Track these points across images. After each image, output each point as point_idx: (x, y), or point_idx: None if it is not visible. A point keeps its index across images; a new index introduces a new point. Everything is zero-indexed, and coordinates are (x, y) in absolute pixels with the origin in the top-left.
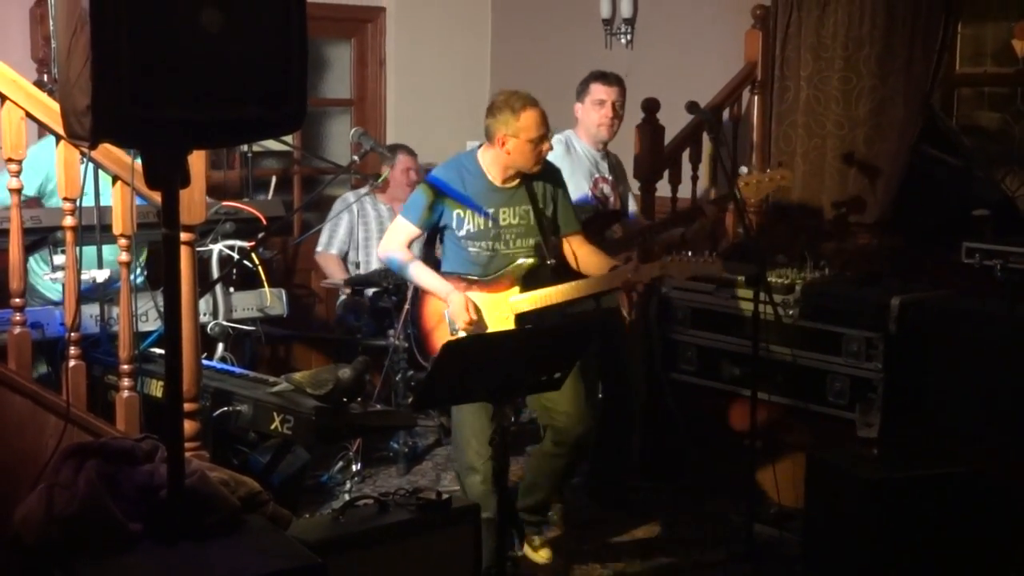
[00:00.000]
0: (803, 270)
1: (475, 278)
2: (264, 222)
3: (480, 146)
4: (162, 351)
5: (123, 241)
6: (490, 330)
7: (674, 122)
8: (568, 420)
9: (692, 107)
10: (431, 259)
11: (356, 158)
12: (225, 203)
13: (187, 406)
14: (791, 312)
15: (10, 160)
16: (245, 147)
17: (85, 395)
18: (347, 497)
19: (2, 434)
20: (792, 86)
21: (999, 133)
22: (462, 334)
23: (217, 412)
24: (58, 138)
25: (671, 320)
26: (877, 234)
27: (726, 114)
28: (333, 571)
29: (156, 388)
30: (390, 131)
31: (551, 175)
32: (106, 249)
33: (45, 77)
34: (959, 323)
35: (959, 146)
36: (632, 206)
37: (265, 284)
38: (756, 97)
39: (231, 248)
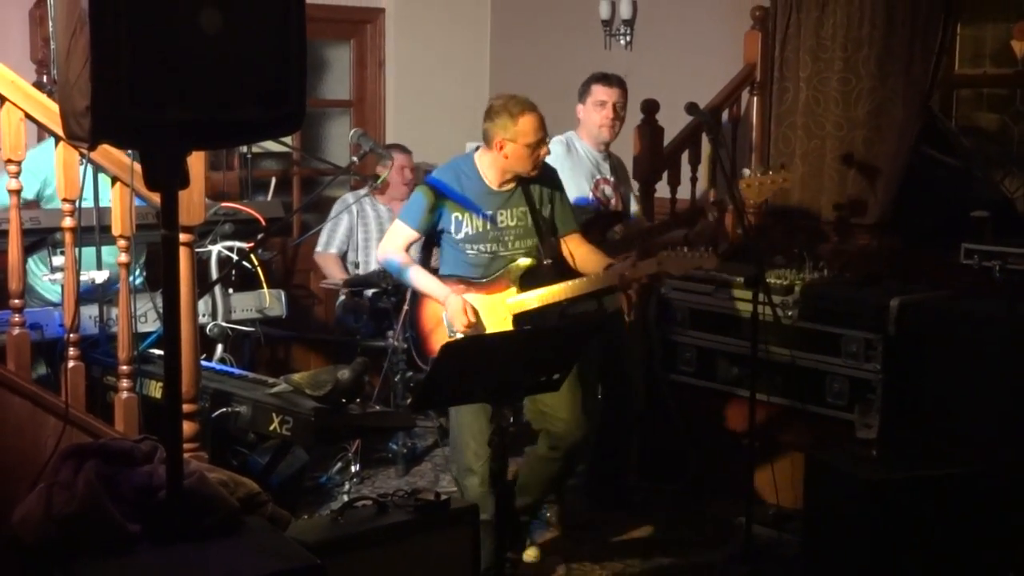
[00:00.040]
0: (802, 271)
1: (473, 280)
2: (263, 223)
3: (477, 149)
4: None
5: (122, 242)
6: (488, 331)
7: (673, 123)
8: (565, 427)
9: (691, 108)
10: (427, 263)
11: (355, 159)
12: (224, 204)
13: (186, 407)
14: (790, 313)
15: (9, 161)
16: (244, 148)
17: (84, 396)
18: (346, 498)
19: (1, 435)
20: (791, 87)
21: (998, 134)
22: (460, 336)
23: (216, 413)
24: (57, 139)
25: (670, 321)
26: (876, 235)
27: (725, 115)
28: (332, 572)
29: (155, 389)
30: (389, 132)
31: (548, 176)
32: (105, 250)
33: (44, 78)
34: (958, 324)
35: (958, 147)
36: (634, 207)
37: (264, 285)
38: (755, 98)
39: (230, 249)
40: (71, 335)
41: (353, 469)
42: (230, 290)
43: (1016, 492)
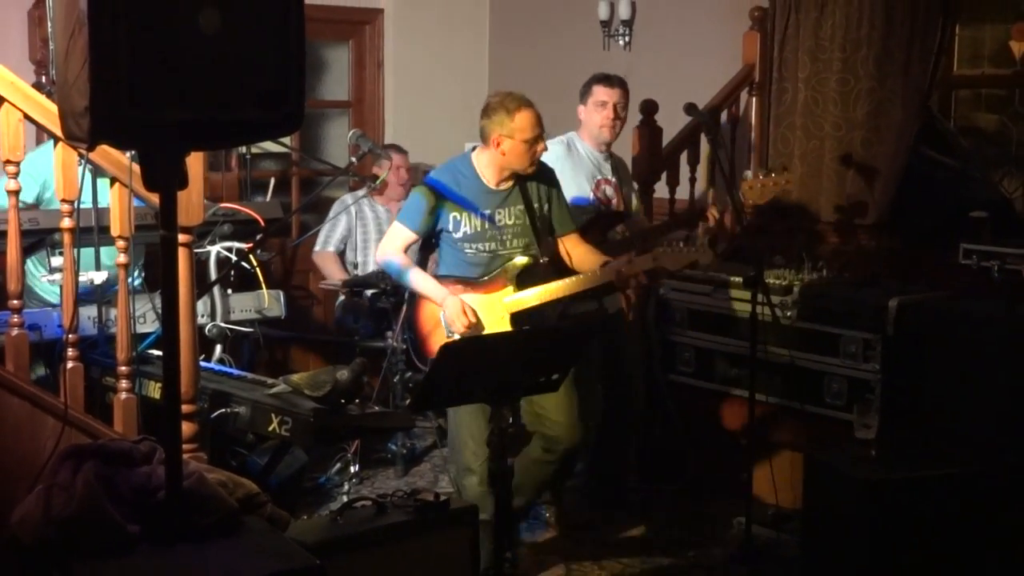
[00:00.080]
0: (801, 271)
1: (470, 280)
2: (262, 224)
3: (474, 149)
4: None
5: (121, 243)
6: (486, 331)
7: (672, 124)
8: (560, 430)
9: (690, 109)
10: (425, 264)
11: (354, 160)
12: (223, 205)
13: (185, 408)
14: (789, 313)
15: (8, 162)
16: (243, 149)
17: (83, 397)
18: (345, 498)
19: (0, 436)
20: (790, 88)
21: (997, 135)
22: (458, 337)
23: (215, 414)
24: (56, 140)
25: (669, 321)
26: (875, 235)
27: (724, 116)
28: (331, 572)
29: (154, 390)
30: (388, 133)
31: (545, 175)
32: (104, 251)
33: (43, 79)
34: (957, 324)
35: (957, 148)
36: (636, 207)
37: (263, 286)
38: (754, 99)
39: (229, 250)
40: (70, 336)
41: (352, 470)
42: (229, 291)
43: (1015, 492)
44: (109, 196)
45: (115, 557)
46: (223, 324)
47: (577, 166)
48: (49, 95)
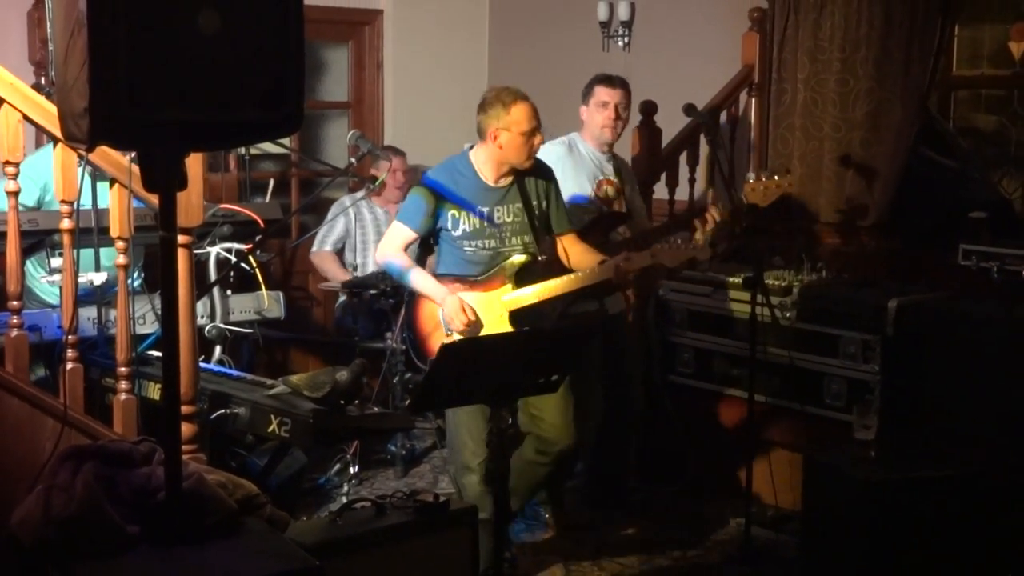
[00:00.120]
0: (800, 272)
1: (469, 278)
2: (261, 225)
3: (471, 147)
4: (159, 354)
5: (120, 244)
6: (485, 329)
7: (671, 124)
8: (554, 432)
9: (689, 109)
10: (423, 263)
11: (353, 161)
12: (222, 206)
13: (185, 409)
14: (788, 314)
15: (7, 163)
16: (242, 150)
17: (82, 398)
18: (344, 499)
19: (0, 436)
20: (789, 88)
21: (996, 135)
22: (457, 336)
23: (215, 415)
24: (55, 141)
25: (668, 322)
26: (874, 236)
27: (723, 116)
28: (330, 573)
29: (154, 391)
30: (388, 134)
31: (544, 173)
32: (103, 252)
33: (43, 80)
34: (956, 325)
35: (956, 148)
36: (638, 208)
37: (262, 287)
38: (753, 100)
39: (228, 251)
40: (69, 337)
41: (352, 470)
42: (228, 292)
43: (1015, 493)
44: (108, 197)
45: (115, 558)
46: (222, 325)
47: (579, 166)
48: (48, 96)
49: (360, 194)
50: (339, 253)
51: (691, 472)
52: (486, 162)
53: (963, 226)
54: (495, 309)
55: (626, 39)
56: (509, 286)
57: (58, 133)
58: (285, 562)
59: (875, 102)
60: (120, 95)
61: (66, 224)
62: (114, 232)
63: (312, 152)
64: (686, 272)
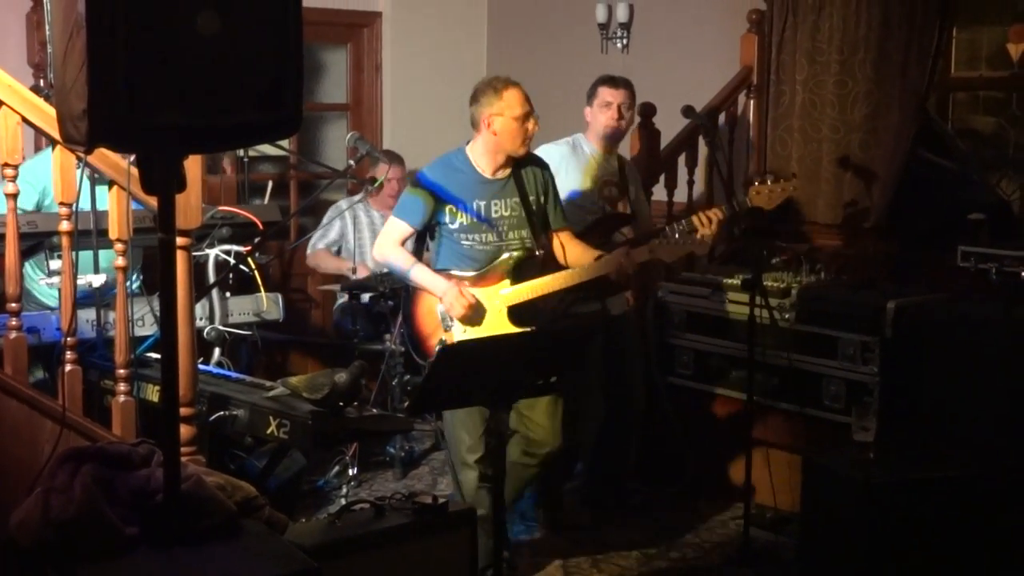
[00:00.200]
0: (799, 274)
1: (469, 273)
2: (260, 227)
3: (467, 144)
4: (158, 356)
5: (119, 246)
6: (483, 324)
7: (670, 126)
8: (541, 433)
9: (688, 111)
10: (420, 256)
11: (352, 162)
12: (221, 208)
13: (183, 411)
14: (787, 316)
15: (6, 165)
16: (241, 152)
17: (81, 400)
18: (343, 501)
19: None
20: (788, 90)
21: (994, 137)
22: (456, 328)
23: (213, 417)
24: (54, 143)
25: (668, 324)
26: (873, 238)
27: (722, 118)
28: (329, 575)
29: (152, 393)
30: (386, 135)
31: (541, 169)
32: (102, 254)
33: (41, 82)
34: (955, 327)
35: (954, 150)
36: (642, 209)
37: (261, 289)
38: (752, 101)
39: (227, 253)
40: (68, 339)
41: (350, 472)
42: (227, 294)
43: (1014, 494)
44: (107, 199)
45: (114, 560)
46: (221, 327)
47: (582, 167)
48: (47, 98)
49: (357, 197)
50: (336, 252)
51: (690, 473)
52: (483, 154)
53: (962, 228)
54: (493, 304)
55: (624, 41)
56: (507, 281)
57: (57, 135)
58: (284, 564)
59: (873, 104)
60: (119, 97)
61: (65, 226)
62: (113, 234)
63: (311, 154)
64: (685, 274)
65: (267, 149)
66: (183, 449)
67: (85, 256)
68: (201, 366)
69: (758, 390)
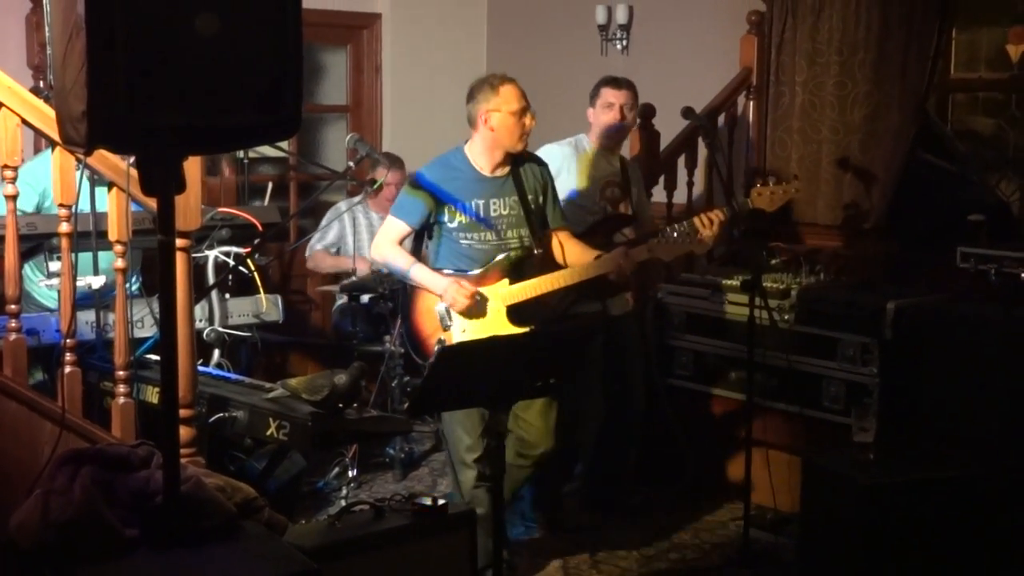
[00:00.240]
0: (798, 275)
1: (466, 273)
2: (260, 228)
3: (465, 144)
4: (158, 357)
5: (119, 247)
6: (483, 323)
7: (670, 127)
8: (535, 434)
9: (687, 113)
10: (418, 254)
11: (352, 164)
12: (221, 209)
13: (183, 412)
14: (787, 317)
15: (5, 167)
16: (241, 153)
17: (81, 401)
18: (343, 503)
19: None
20: (787, 91)
21: (993, 138)
22: (455, 328)
23: (213, 418)
24: (54, 144)
25: (667, 325)
26: (872, 239)
27: (722, 119)
28: None
29: (152, 394)
30: (386, 137)
31: (539, 168)
32: (102, 255)
33: (41, 84)
34: (954, 328)
35: (954, 151)
36: (645, 210)
37: (261, 290)
38: (751, 102)
39: (227, 254)
40: (68, 340)
41: (350, 474)
42: (227, 295)
43: (1013, 495)
44: (107, 201)
45: (113, 562)
46: (221, 328)
47: (585, 168)
48: (47, 100)
49: (357, 199)
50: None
51: (690, 474)
52: (481, 152)
53: (961, 229)
54: (492, 304)
55: (624, 42)
56: (506, 281)
57: (56, 137)
58: (284, 566)
59: (873, 105)
60: (118, 99)
61: (64, 228)
62: (112, 236)
63: (310, 156)
64: (684, 275)
65: (267, 150)
66: (183, 451)
67: (84, 258)
68: (200, 368)
69: (758, 391)
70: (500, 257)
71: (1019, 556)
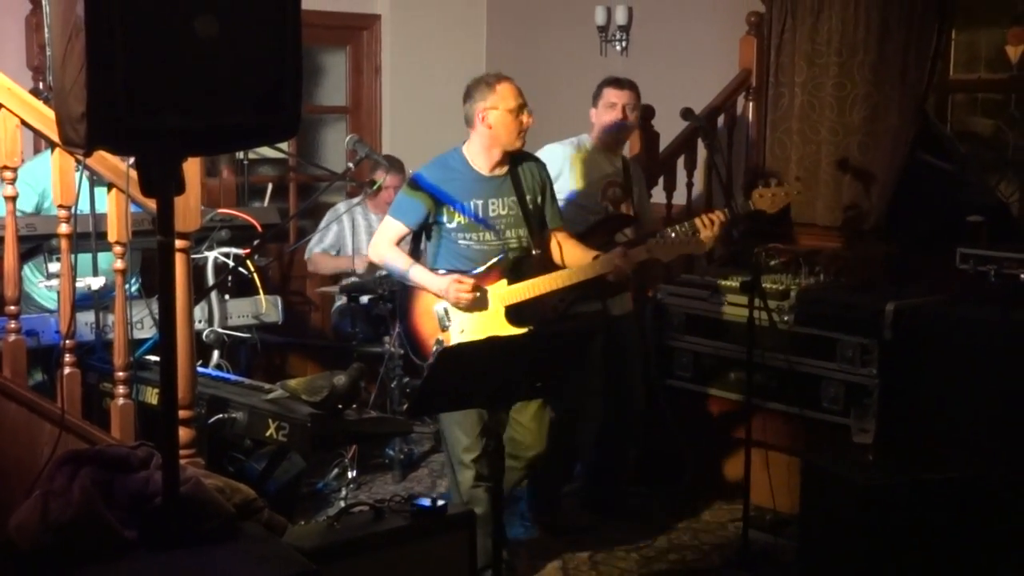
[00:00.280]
0: (798, 276)
1: (464, 273)
2: (259, 229)
3: (463, 145)
4: (157, 358)
5: (118, 248)
6: (481, 323)
7: (669, 128)
8: (528, 436)
9: (687, 113)
10: (416, 255)
11: (351, 165)
12: (220, 210)
13: (182, 413)
14: (786, 318)
15: (5, 168)
16: (240, 154)
17: (80, 402)
18: (342, 504)
19: None
20: (787, 92)
21: (993, 139)
22: (453, 328)
23: (212, 419)
24: (53, 145)
25: (666, 326)
26: (872, 240)
27: (721, 120)
28: None
29: (151, 395)
30: (385, 138)
31: (537, 168)
32: (101, 257)
33: (41, 85)
34: (954, 329)
35: (953, 152)
36: (647, 210)
37: (260, 291)
38: (751, 103)
39: (226, 255)
40: (67, 342)
41: (350, 475)
42: (226, 296)
43: (1012, 496)
44: (106, 202)
45: (112, 563)
46: (220, 329)
47: (587, 168)
48: (47, 101)
49: (356, 200)
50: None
51: (689, 475)
52: (479, 152)
53: (960, 230)
54: (491, 304)
55: (624, 43)
56: (504, 281)
57: (56, 138)
58: (283, 567)
59: (872, 106)
60: (118, 100)
61: (64, 229)
62: (112, 237)
63: (310, 157)
64: (684, 276)
65: (266, 152)
66: (182, 452)
67: (84, 259)
68: (200, 369)
69: (757, 392)
70: (498, 258)
71: (1018, 557)
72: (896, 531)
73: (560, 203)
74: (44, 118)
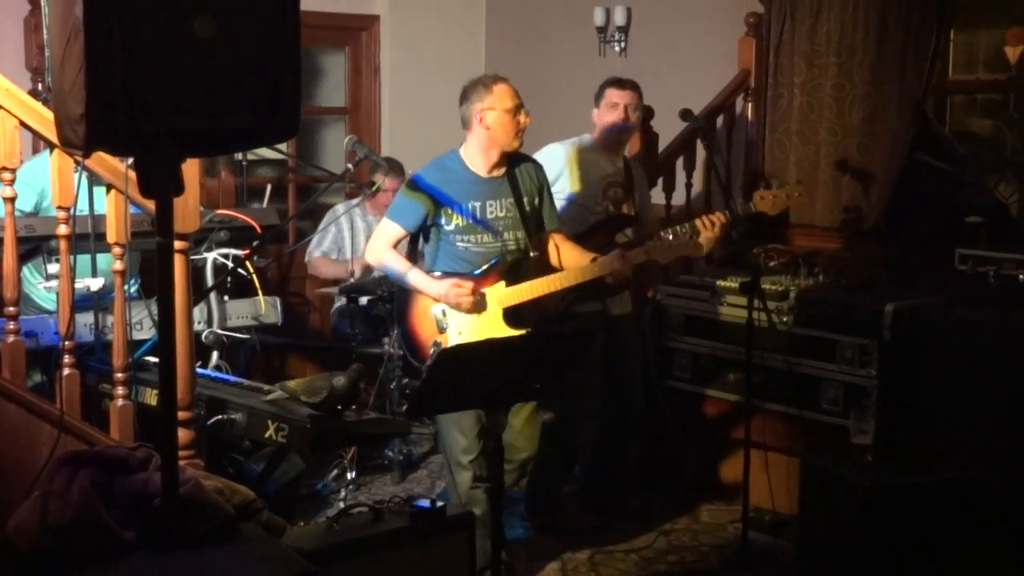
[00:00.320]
0: (797, 277)
1: (462, 275)
2: (258, 230)
3: (460, 147)
4: (156, 359)
5: (117, 249)
6: (479, 325)
7: (668, 129)
8: (520, 439)
9: (686, 114)
10: (414, 258)
11: (350, 166)
12: (219, 211)
13: (181, 414)
14: (785, 319)
15: (3, 169)
16: (239, 155)
17: (79, 403)
18: (342, 505)
19: None
20: (786, 93)
21: (992, 140)
22: (451, 330)
23: (211, 420)
24: (52, 147)
25: (666, 327)
26: (871, 241)
27: (720, 121)
28: None
29: (150, 396)
30: (385, 139)
31: (535, 170)
32: (100, 258)
33: (39, 86)
34: (953, 330)
35: (952, 153)
36: (648, 211)
37: (260, 292)
38: (750, 104)
39: (225, 256)
40: (66, 343)
41: (349, 476)
42: (225, 297)
43: (1012, 497)
44: (105, 203)
45: (111, 564)
46: (220, 331)
47: (588, 168)
48: (45, 102)
49: (355, 202)
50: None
51: (688, 476)
52: (476, 153)
53: (959, 231)
54: (489, 305)
55: (623, 44)
56: (502, 283)
57: (55, 139)
58: (282, 568)
59: (871, 107)
60: (116, 101)
61: (63, 230)
62: (111, 238)
63: (309, 158)
64: (683, 277)
65: (265, 153)
66: (181, 453)
67: (83, 260)
68: (199, 370)
69: (756, 393)
70: (496, 260)
71: (1017, 558)
72: (895, 532)
73: (561, 203)
74: (43, 119)
